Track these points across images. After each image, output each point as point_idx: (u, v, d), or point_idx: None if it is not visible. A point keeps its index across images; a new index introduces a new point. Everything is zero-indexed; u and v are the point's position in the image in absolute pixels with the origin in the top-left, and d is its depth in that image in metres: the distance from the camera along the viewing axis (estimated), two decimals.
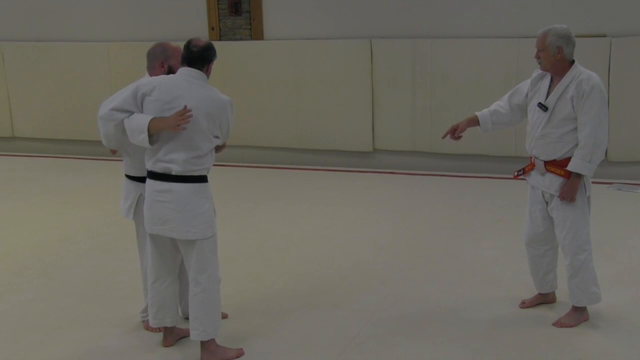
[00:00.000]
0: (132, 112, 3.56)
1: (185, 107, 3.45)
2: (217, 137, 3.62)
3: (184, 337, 3.88)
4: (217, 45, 8.58)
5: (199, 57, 3.58)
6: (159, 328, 3.92)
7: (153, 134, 3.49)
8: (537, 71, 4.05)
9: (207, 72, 3.64)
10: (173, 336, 3.90)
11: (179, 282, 3.86)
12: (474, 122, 4.21)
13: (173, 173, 3.53)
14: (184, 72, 3.59)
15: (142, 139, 3.49)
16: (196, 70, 3.58)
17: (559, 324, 4.03)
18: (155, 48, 3.87)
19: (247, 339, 3.93)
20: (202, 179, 3.59)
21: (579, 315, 4.04)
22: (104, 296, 4.61)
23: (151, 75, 3.81)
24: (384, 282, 4.76)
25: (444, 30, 7.74)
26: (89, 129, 9.18)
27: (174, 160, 3.52)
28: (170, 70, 3.75)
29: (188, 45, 3.61)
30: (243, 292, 4.56)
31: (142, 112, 3.56)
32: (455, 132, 4.20)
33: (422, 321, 4.13)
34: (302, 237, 5.68)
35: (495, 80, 7.55)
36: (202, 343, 3.70)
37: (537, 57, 3.89)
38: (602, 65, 6.93)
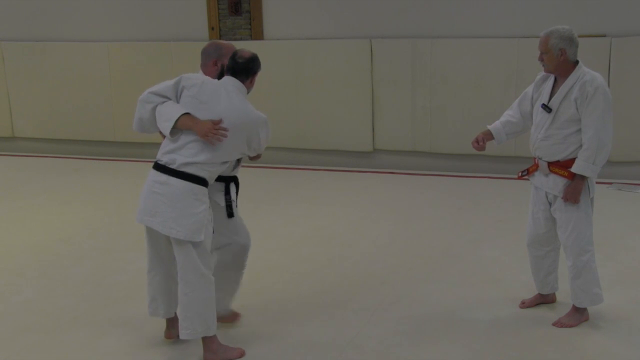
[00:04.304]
0: (168, 99, 3.61)
1: (222, 121, 3.49)
2: (241, 152, 3.65)
3: None
4: None
5: (243, 68, 3.65)
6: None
7: (177, 127, 3.53)
8: (541, 73, 4.04)
9: (251, 84, 3.70)
10: (176, 328, 3.88)
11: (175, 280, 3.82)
12: (489, 136, 4.19)
13: (174, 167, 3.53)
14: (227, 81, 3.64)
15: (166, 126, 3.53)
16: (238, 82, 3.63)
17: (559, 324, 4.03)
18: (209, 47, 3.85)
19: (247, 339, 3.93)
20: (202, 181, 3.57)
21: (579, 315, 4.04)
22: (104, 296, 4.61)
23: (205, 73, 3.80)
24: (384, 282, 4.76)
25: (444, 30, 7.74)
26: (89, 129, 9.20)
27: (182, 156, 3.52)
28: (224, 69, 3.75)
29: (234, 55, 3.68)
30: (243, 292, 4.54)
31: (178, 102, 3.60)
32: (478, 143, 4.16)
33: (422, 321, 4.14)
34: (302, 237, 5.68)
35: (495, 80, 7.55)
36: (204, 342, 3.69)
37: (541, 59, 3.88)
38: (602, 65, 6.92)
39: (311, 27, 8.19)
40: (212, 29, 8.51)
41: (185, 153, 3.54)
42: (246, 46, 8.31)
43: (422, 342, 3.89)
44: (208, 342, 3.69)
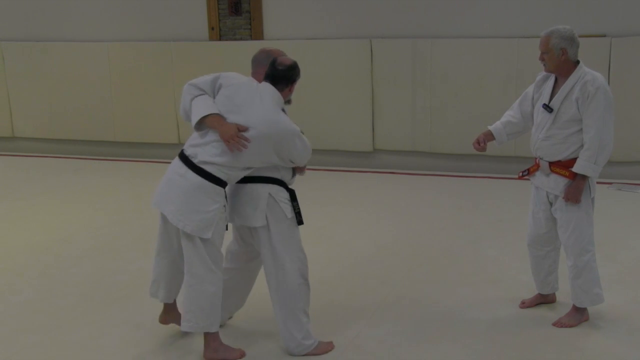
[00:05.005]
0: (205, 93, 3.61)
1: (247, 128, 3.47)
2: (269, 162, 3.62)
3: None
4: (217, 45, 8.67)
5: (283, 76, 3.61)
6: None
7: (204, 124, 3.53)
8: (541, 73, 4.04)
9: (290, 91, 3.67)
10: (171, 316, 3.91)
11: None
12: (489, 136, 4.20)
13: (194, 161, 3.52)
14: (265, 87, 3.60)
15: (193, 121, 3.54)
16: (275, 92, 3.60)
17: (559, 324, 4.03)
18: (260, 54, 3.79)
19: (247, 339, 3.93)
20: (218, 181, 3.53)
21: (579, 315, 4.04)
22: (104, 296, 4.61)
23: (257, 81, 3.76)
24: (384, 282, 4.76)
25: (444, 30, 7.74)
26: (89, 129, 9.21)
27: (204, 153, 3.51)
28: None
29: (274, 62, 3.63)
30: None
31: (214, 98, 3.61)
32: (479, 144, 4.16)
33: (422, 321, 4.13)
34: (302, 237, 5.66)
35: (495, 80, 7.55)
36: (205, 339, 3.69)
37: (542, 59, 3.88)
38: (602, 65, 6.93)
39: (311, 27, 8.20)
40: (212, 29, 8.51)
41: (207, 151, 3.52)
42: (246, 46, 8.35)
43: (422, 342, 3.89)
44: (209, 339, 3.69)
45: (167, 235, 3.75)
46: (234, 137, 3.44)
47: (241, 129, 3.48)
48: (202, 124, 3.54)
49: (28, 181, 7.90)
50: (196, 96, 3.61)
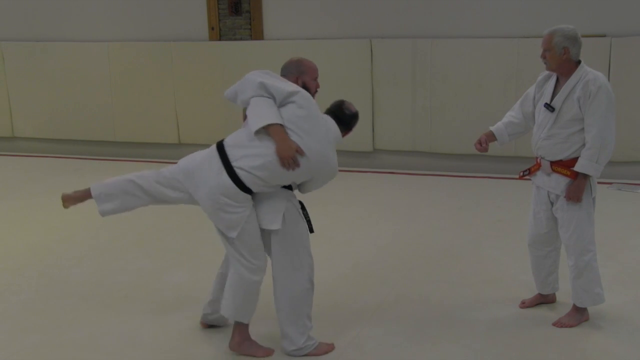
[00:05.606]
0: (271, 98, 3.55)
1: (304, 154, 3.48)
2: (295, 182, 3.67)
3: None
4: (217, 45, 8.67)
5: (348, 121, 3.75)
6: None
7: (265, 129, 3.49)
8: (543, 74, 4.04)
9: (344, 135, 3.76)
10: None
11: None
12: (491, 137, 4.20)
13: (233, 163, 3.49)
14: (332, 123, 3.67)
15: (256, 122, 3.47)
16: (338, 130, 3.70)
17: (559, 324, 4.03)
18: (290, 64, 3.76)
19: None
20: (248, 190, 3.51)
21: (579, 315, 4.04)
22: (104, 296, 4.61)
23: None
24: (384, 282, 4.76)
25: (444, 30, 7.74)
26: (89, 129, 9.21)
27: (246, 162, 3.48)
28: (304, 87, 3.68)
29: (342, 104, 3.76)
30: None
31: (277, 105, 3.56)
32: (480, 145, 4.17)
33: (422, 321, 4.13)
34: None
35: (495, 80, 7.55)
36: (234, 329, 3.72)
37: (543, 56, 3.88)
38: (602, 65, 6.93)
39: (311, 27, 8.20)
40: (212, 29, 8.51)
41: (249, 162, 3.48)
42: (246, 46, 8.35)
43: (422, 342, 3.89)
44: (238, 330, 3.71)
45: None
46: (291, 157, 3.44)
47: (299, 152, 3.48)
48: (261, 129, 3.48)
49: (28, 181, 7.90)
50: (261, 96, 3.55)
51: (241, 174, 3.48)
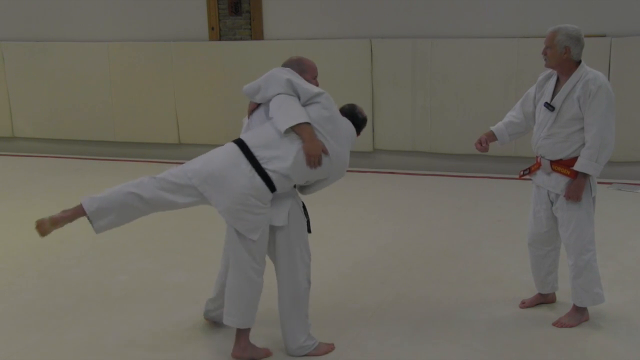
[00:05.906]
0: (296, 97, 3.58)
1: (328, 154, 3.52)
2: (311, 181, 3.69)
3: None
4: (217, 45, 8.66)
5: (361, 124, 3.84)
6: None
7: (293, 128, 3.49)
8: (543, 74, 4.05)
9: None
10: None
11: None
12: (491, 137, 4.21)
13: (263, 165, 3.47)
14: (351, 128, 3.75)
15: (285, 121, 3.45)
16: (355, 133, 3.77)
17: (559, 324, 4.03)
18: (290, 62, 3.76)
19: None
20: (270, 184, 3.47)
21: (579, 315, 4.04)
22: (104, 296, 4.61)
23: None
24: (384, 282, 4.76)
25: (444, 30, 7.74)
26: (89, 129, 9.21)
27: (278, 163, 3.47)
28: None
29: (355, 108, 3.85)
30: None
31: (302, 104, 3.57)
32: (481, 145, 4.17)
33: (422, 321, 4.13)
34: None
35: (495, 80, 7.55)
36: (237, 335, 3.70)
37: (544, 53, 3.89)
38: (602, 65, 6.92)
39: (311, 27, 8.20)
40: (212, 29, 8.51)
41: (280, 164, 3.47)
42: (246, 46, 8.34)
43: (422, 342, 3.89)
44: (243, 336, 3.70)
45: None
46: (318, 155, 3.47)
47: (325, 152, 3.51)
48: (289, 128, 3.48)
49: (28, 181, 7.90)
50: (286, 94, 3.55)
51: (272, 175, 3.47)
